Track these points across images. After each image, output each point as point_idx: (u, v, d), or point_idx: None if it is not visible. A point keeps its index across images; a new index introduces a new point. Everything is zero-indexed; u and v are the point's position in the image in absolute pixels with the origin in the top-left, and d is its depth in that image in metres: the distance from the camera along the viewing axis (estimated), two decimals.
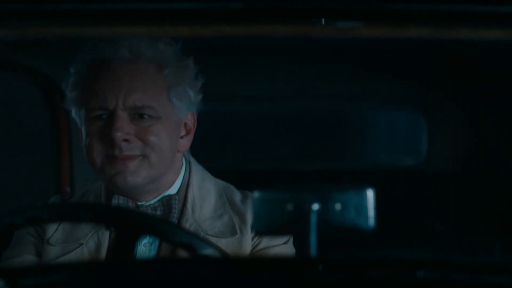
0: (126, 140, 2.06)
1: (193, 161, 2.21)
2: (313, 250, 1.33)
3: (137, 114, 2.08)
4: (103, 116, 2.08)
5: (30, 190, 3.34)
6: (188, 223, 2.11)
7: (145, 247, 2.09)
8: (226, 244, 2.09)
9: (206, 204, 2.15)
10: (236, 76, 2.97)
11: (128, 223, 1.55)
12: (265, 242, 2.13)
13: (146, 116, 2.08)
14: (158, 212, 2.12)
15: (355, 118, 4.10)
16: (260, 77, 3.07)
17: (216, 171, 2.26)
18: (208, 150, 2.29)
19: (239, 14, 1.53)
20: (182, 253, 1.62)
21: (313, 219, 1.34)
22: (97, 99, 2.07)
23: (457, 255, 2.82)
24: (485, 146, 3.12)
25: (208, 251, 1.56)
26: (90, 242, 2.10)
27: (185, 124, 2.17)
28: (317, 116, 3.94)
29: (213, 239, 2.09)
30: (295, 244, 2.15)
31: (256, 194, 1.36)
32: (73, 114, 2.17)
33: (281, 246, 2.13)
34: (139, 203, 2.12)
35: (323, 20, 1.52)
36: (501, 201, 3.03)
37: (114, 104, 2.06)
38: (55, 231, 2.13)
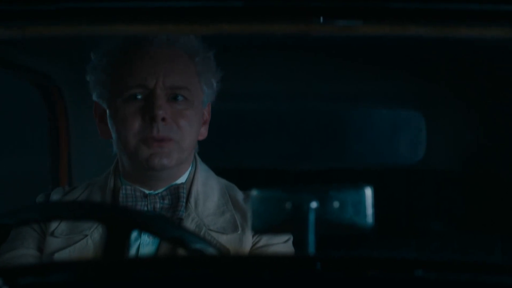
0: (164, 119, 2.08)
1: (198, 159, 2.23)
2: (311, 248, 1.33)
3: (172, 96, 2.11)
4: (138, 96, 2.10)
5: (29, 189, 3.34)
6: (191, 217, 2.13)
7: (148, 237, 2.11)
8: (227, 240, 2.11)
9: (209, 201, 2.17)
10: (235, 75, 2.97)
11: (119, 220, 1.55)
12: (265, 240, 2.14)
13: (180, 98, 2.11)
14: (166, 201, 2.13)
15: (354, 117, 4.09)
16: (258, 76, 3.08)
17: (214, 170, 2.27)
18: (206, 149, 2.29)
19: (238, 13, 1.54)
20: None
21: (312, 218, 1.34)
22: (135, 78, 2.10)
23: (456, 254, 2.82)
24: (484, 145, 3.12)
25: (200, 246, 1.56)
26: (95, 234, 2.11)
27: (203, 114, 2.21)
28: (315, 115, 3.94)
29: (215, 235, 2.12)
30: (294, 243, 2.16)
31: (254, 193, 1.37)
32: (95, 97, 2.19)
33: (281, 244, 2.14)
34: (147, 192, 2.13)
35: (321, 18, 1.52)
36: (500, 200, 3.03)
37: (154, 83, 2.09)
38: (59, 223, 2.14)
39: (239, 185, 2.26)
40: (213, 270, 1.34)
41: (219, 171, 2.27)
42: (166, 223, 1.62)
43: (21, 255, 2.12)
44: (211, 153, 2.28)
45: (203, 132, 2.21)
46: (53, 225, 2.14)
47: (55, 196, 2.21)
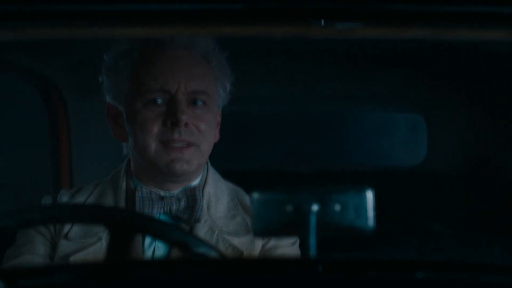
0: (186, 124, 2.09)
1: (208, 162, 2.24)
2: (312, 251, 1.33)
3: (192, 101, 2.11)
4: (158, 100, 2.10)
5: (30, 191, 3.34)
6: (203, 219, 2.13)
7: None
8: (240, 242, 2.12)
9: (220, 204, 2.18)
10: (235, 77, 2.97)
11: (122, 223, 1.55)
12: (273, 241, 2.15)
13: (199, 102, 2.12)
14: (182, 203, 2.13)
15: (355, 119, 4.10)
16: (258, 79, 3.07)
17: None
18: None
19: (238, 15, 1.54)
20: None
21: (313, 220, 1.34)
22: (156, 83, 2.09)
23: (457, 256, 2.82)
24: (484, 147, 3.12)
25: (203, 249, 1.56)
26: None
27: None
28: (316, 117, 3.94)
29: (228, 237, 2.13)
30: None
31: (255, 195, 1.37)
32: (109, 99, 2.18)
33: (288, 247, 2.15)
34: (163, 194, 2.13)
35: (322, 21, 1.52)
36: (500, 202, 3.03)
37: (176, 88, 2.09)
38: (72, 225, 2.13)
39: (240, 187, 2.27)
40: (215, 272, 1.34)
41: (221, 173, 2.27)
42: (167, 226, 1.62)
43: (27, 262, 2.11)
44: (212, 155, 2.28)
45: (217, 134, 2.22)
46: (66, 228, 2.13)
47: (63, 198, 2.20)
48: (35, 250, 2.13)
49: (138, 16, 1.55)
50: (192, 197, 2.14)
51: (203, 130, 2.11)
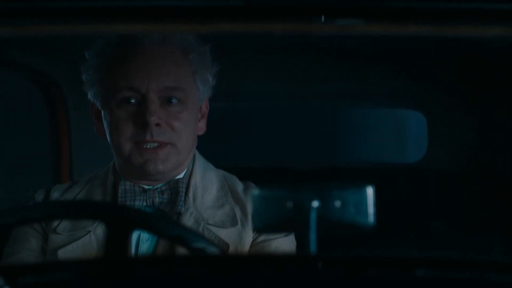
0: (158, 124, 2.07)
1: (196, 152, 2.23)
2: (312, 247, 1.33)
3: (166, 99, 2.09)
4: (131, 100, 2.08)
5: (30, 188, 3.34)
6: (189, 212, 2.12)
7: (148, 233, 2.10)
8: (226, 234, 2.11)
9: (208, 194, 2.16)
10: (235, 74, 2.97)
11: (120, 219, 1.55)
12: (266, 234, 2.13)
13: (174, 100, 2.09)
14: (165, 196, 2.12)
15: (355, 116, 4.10)
16: (259, 76, 3.07)
17: None
18: (207, 148, 2.29)
19: (238, 12, 1.53)
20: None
21: (313, 217, 1.34)
22: (126, 81, 2.08)
23: (457, 253, 2.82)
24: (485, 144, 3.12)
25: (201, 245, 1.56)
26: (98, 230, 2.11)
27: (200, 108, 2.20)
28: (316, 114, 3.94)
29: (213, 229, 2.11)
30: (297, 241, 2.16)
31: (256, 192, 1.37)
32: (90, 96, 2.18)
33: (282, 238, 2.14)
34: (146, 187, 2.13)
35: (323, 17, 1.52)
36: (501, 199, 3.03)
37: (146, 87, 2.07)
38: (61, 219, 2.13)
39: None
40: (215, 268, 1.34)
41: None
42: (167, 221, 1.62)
43: (21, 258, 2.12)
44: (212, 151, 2.28)
45: (202, 127, 2.20)
46: (55, 222, 2.13)
47: (56, 193, 2.21)
48: (31, 246, 2.14)
49: (138, 12, 1.55)
50: (175, 190, 2.13)
51: (179, 129, 2.09)
